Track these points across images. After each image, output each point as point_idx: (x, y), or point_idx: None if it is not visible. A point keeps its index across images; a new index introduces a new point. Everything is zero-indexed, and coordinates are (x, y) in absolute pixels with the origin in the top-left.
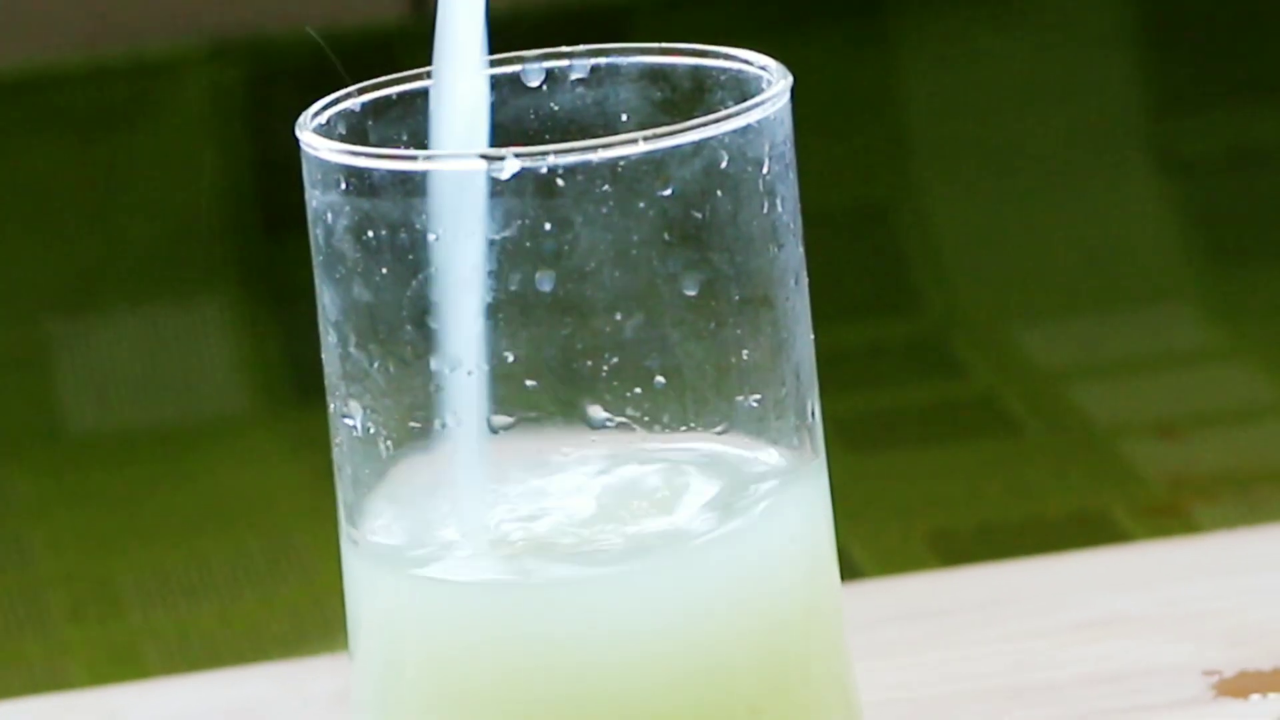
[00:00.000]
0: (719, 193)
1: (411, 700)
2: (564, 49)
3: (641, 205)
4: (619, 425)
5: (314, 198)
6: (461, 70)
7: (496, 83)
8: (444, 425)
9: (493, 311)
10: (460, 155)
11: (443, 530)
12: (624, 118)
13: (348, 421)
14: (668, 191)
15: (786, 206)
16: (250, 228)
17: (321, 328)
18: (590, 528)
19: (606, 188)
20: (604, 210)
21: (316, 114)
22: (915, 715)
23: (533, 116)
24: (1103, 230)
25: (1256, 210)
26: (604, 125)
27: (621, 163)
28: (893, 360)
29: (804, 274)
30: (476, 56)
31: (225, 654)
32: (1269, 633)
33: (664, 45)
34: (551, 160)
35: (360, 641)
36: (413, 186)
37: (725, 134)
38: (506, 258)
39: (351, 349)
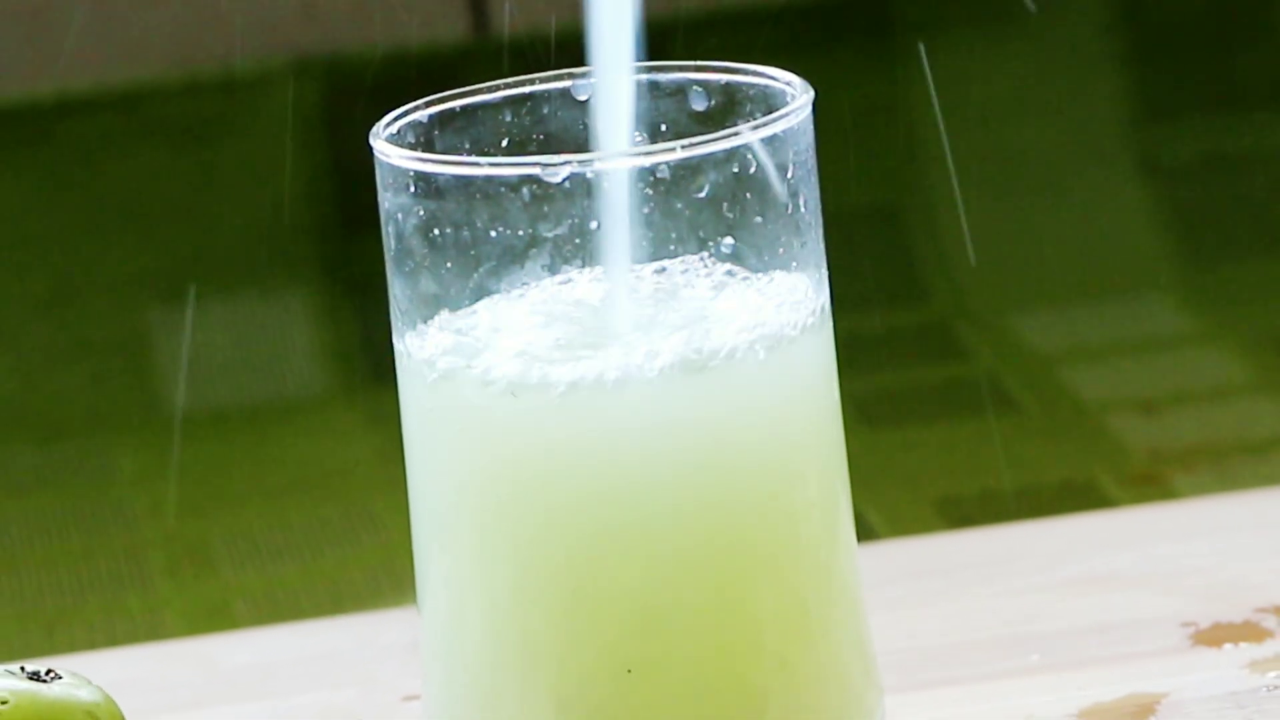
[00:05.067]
0: (748, 195)
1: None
2: None
3: (679, 205)
4: None
5: (386, 199)
6: (612, 73)
7: (549, 97)
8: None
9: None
10: (520, 162)
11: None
12: (663, 128)
13: None
14: (703, 193)
15: (808, 207)
16: (329, 226)
17: (393, 315)
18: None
19: (648, 190)
20: (646, 210)
21: (388, 124)
22: (922, 663)
23: (582, 127)
24: (1092, 228)
25: (1230, 210)
26: (645, 134)
27: (661, 168)
28: (904, 345)
29: (824, 267)
30: (627, 60)
31: (307, 607)
32: (1241, 588)
33: (698, 63)
34: (599, 166)
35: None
36: (474, 189)
37: (754, 142)
38: (559, 253)
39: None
